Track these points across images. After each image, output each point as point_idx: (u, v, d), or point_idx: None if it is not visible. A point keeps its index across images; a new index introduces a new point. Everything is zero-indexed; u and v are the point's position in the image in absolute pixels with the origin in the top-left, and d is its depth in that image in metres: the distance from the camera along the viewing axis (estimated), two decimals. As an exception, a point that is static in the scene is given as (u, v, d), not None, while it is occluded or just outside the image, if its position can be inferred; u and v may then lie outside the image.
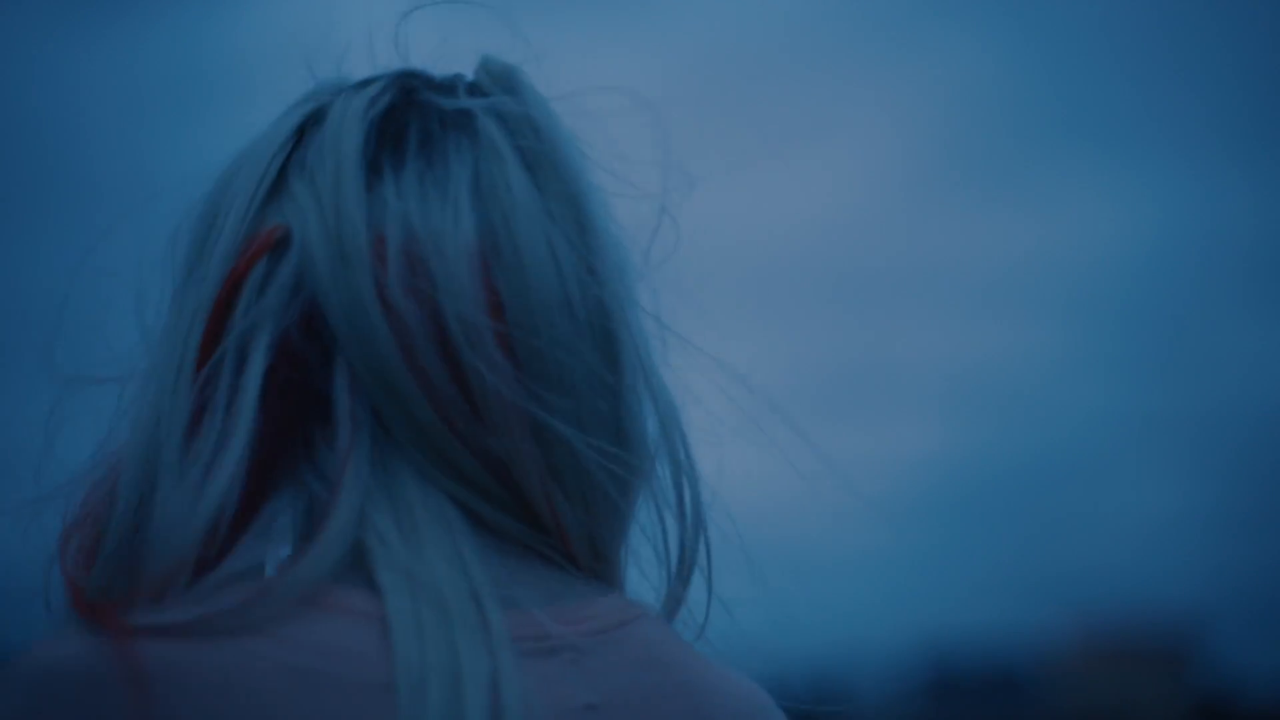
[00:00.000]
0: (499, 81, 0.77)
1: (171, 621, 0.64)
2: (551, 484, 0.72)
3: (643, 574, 0.79)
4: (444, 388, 0.70)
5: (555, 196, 0.73)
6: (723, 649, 0.82)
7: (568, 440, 0.71)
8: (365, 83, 0.76)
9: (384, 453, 0.70)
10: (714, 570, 0.81)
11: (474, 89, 0.77)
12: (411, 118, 0.74)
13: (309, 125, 0.75)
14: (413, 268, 0.70)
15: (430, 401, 0.70)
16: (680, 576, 0.79)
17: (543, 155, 0.74)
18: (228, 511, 0.66)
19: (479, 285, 0.70)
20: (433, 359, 0.70)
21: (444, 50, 0.80)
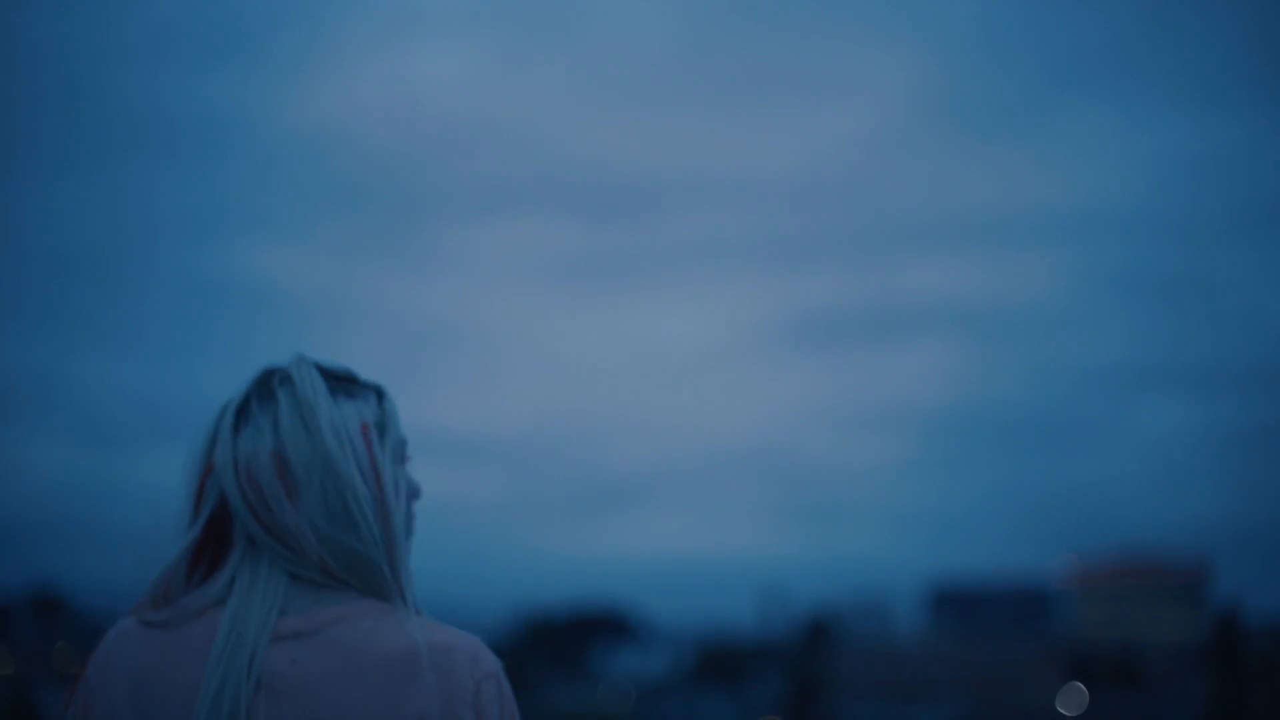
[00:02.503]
0: (303, 372, 1.66)
1: (144, 619, 1.61)
2: (328, 557, 1.59)
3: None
4: (270, 524, 1.59)
5: (316, 431, 1.61)
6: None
7: (327, 535, 1.59)
8: (254, 384, 1.68)
9: (256, 553, 1.60)
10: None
11: (283, 374, 1.67)
12: (252, 398, 1.65)
13: (224, 416, 1.67)
14: (250, 472, 1.60)
15: (265, 531, 1.59)
16: (401, 584, 1.64)
17: (294, 393, 1.63)
18: (179, 576, 1.63)
19: (275, 473, 1.59)
20: (264, 512, 1.59)
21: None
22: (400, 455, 1.71)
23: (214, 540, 1.64)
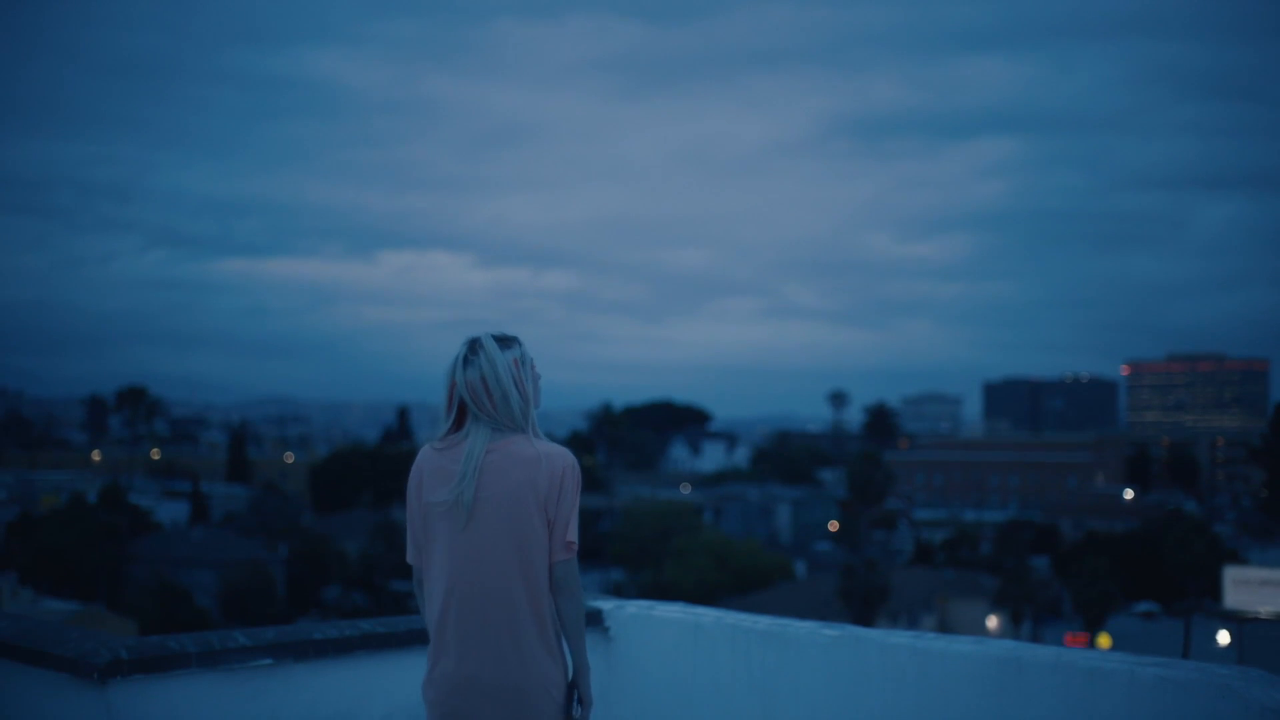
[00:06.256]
0: (485, 344, 3.72)
1: (433, 446, 3.78)
2: (504, 420, 3.69)
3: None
4: (483, 408, 3.69)
5: (491, 369, 3.68)
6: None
7: (504, 412, 3.69)
8: (466, 345, 3.74)
9: (477, 420, 3.71)
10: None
11: (476, 345, 3.72)
12: (468, 353, 3.71)
13: (456, 360, 3.75)
14: (473, 387, 3.69)
15: (481, 411, 3.69)
16: (532, 426, 3.73)
17: (485, 354, 3.70)
18: (449, 427, 3.74)
19: (482, 387, 3.67)
20: (483, 403, 3.69)
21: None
22: (531, 369, 3.78)
23: (458, 413, 3.74)
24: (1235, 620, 49.40)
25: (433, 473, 3.69)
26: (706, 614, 5.41)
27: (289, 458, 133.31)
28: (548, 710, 3.61)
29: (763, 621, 5.21)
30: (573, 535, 3.62)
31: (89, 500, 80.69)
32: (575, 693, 3.72)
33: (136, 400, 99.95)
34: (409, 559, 3.79)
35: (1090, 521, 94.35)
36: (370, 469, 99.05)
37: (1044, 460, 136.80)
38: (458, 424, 3.71)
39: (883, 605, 59.47)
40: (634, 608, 5.57)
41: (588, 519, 69.72)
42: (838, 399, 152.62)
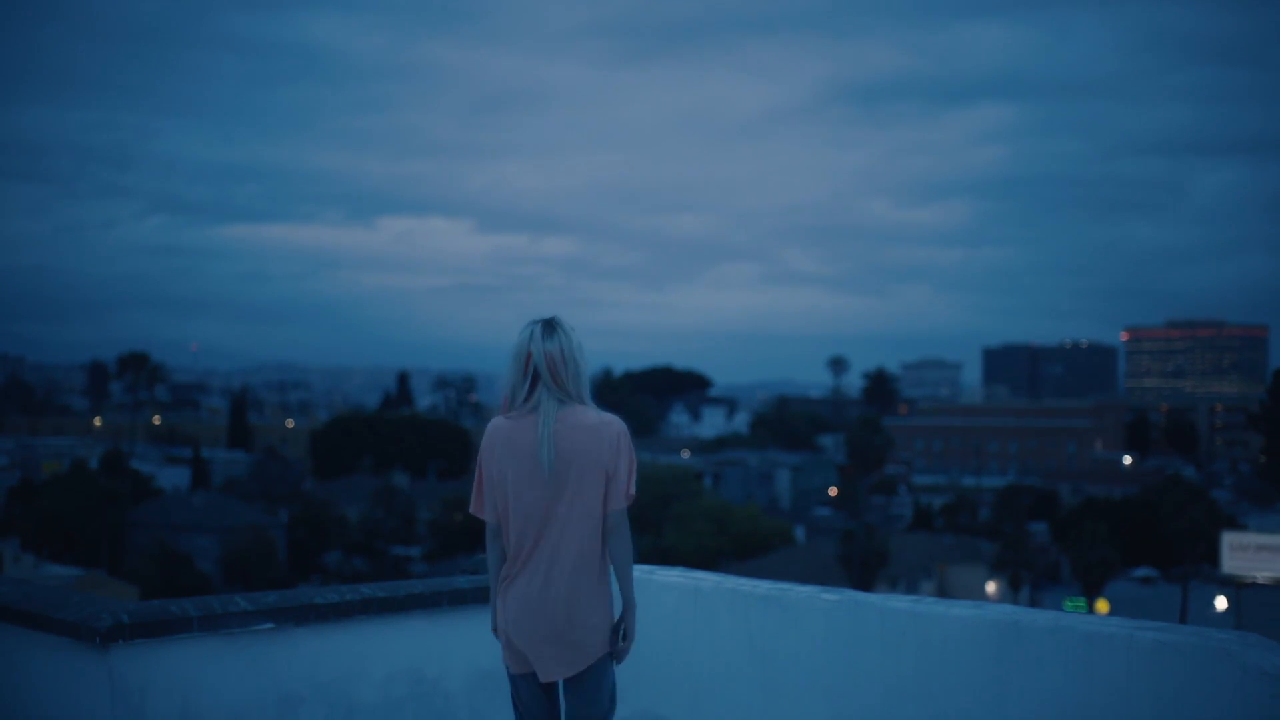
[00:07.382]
0: (560, 321, 4.25)
1: (504, 417, 4.23)
2: (572, 391, 4.16)
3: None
4: (555, 379, 4.15)
5: (569, 342, 4.19)
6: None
7: (572, 384, 4.17)
8: (541, 322, 4.23)
9: (548, 391, 4.15)
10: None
11: (554, 322, 4.23)
12: (545, 329, 4.22)
13: (534, 333, 4.22)
14: (550, 359, 4.16)
15: (553, 381, 4.15)
16: (589, 398, 4.22)
17: (562, 329, 4.21)
18: (522, 398, 4.20)
19: (561, 357, 4.16)
20: (554, 374, 4.15)
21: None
22: (584, 350, 4.24)
23: (530, 385, 4.15)
24: (1233, 585, 49.53)
25: (507, 440, 4.16)
26: (706, 579, 5.42)
27: (290, 423, 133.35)
28: (597, 642, 4.12)
29: (762, 586, 5.22)
30: (633, 489, 4.17)
31: (90, 466, 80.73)
32: (622, 627, 4.19)
33: (138, 366, 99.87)
34: (485, 517, 4.27)
35: (1089, 487, 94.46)
36: (371, 434, 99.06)
37: (1043, 426, 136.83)
38: (526, 393, 4.20)
39: (882, 570, 59.61)
40: (634, 572, 5.58)
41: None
42: (837, 365, 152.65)
